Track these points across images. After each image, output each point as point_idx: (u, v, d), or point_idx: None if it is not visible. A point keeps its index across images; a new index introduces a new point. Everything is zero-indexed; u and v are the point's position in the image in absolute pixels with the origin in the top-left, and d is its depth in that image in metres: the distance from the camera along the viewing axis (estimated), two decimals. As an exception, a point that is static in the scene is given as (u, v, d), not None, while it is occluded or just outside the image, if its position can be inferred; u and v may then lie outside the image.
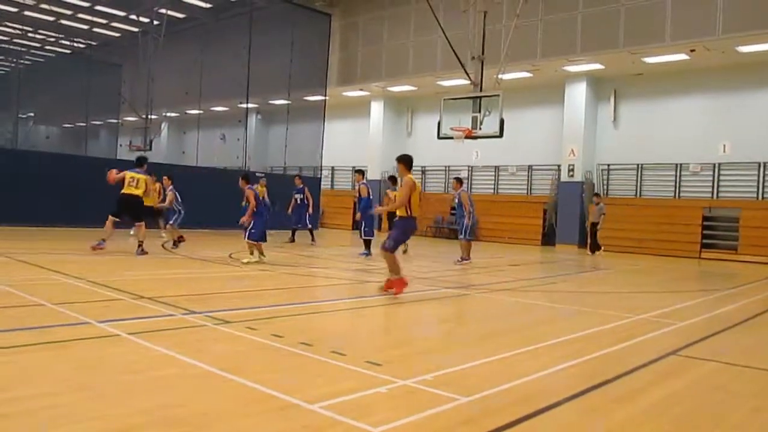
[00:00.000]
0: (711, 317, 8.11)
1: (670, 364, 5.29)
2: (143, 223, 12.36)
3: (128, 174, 12.11)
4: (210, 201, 20.99)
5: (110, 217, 12.00)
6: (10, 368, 4.15)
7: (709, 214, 20.38)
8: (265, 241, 12.16)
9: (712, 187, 20.67)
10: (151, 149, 26.70)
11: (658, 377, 4.83)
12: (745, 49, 18.22)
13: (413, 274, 11.51)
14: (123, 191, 12.03)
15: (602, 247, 18.99)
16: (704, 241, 20.11)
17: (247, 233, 11.88)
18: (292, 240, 18.08)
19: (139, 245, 12.08)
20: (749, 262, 18.40)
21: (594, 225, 18.64)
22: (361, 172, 16.13)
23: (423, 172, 28.30)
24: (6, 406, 3.39)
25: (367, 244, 14.78)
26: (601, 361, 5.25)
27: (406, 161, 8.84)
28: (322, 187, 27.37)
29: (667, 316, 7.72)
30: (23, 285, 7.46)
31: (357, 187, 15.50)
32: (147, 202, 14.56)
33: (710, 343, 6.33)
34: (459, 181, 15.21)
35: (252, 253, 12.00)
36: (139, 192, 12.06)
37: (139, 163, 12.57)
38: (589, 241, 19.37)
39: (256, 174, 19.10)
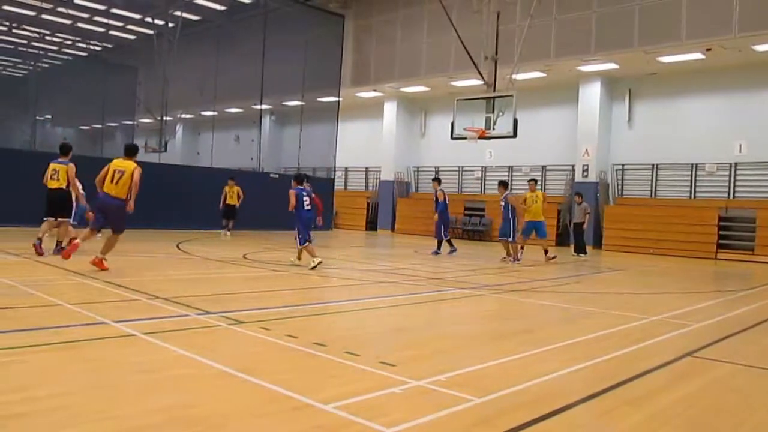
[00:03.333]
0: (727, 318, 8.03)
1: (685, 366, 5.25)
2: (67, 220, 11.31)
3: (51, 165, 11.03)
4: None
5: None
6: (26, 368, 4.21)
7: (725, 214, 20.18)
8: (304, 243, 11.60)
9: (728, 187, 20.48)
10: (166, 150, 26.89)
11: (673, 379, 4.80)
12: (761, 47, 18.04)
13: (427, 275, 11.51)
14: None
15: (587, 252, 18.10)
16: (720, 241, 19.92)
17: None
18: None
19: (58, 244, 11.20)
20: (766, 263, 18.20)
21: (578, 225, 17.93)
22: (437, 180, 17.17)
23: (436, 172, 28.28)
24: (22, 405, 3.44)
25: (440, 244, 16.51)
26: (615, 362, 5.23)
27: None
28: (335, 187, 27.42)
29: (683, 318, 7.66)
30: (41, 285, 7.55)
31: (435, 193, 16.68)
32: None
33: (726, 345, 6.27)
34: (504, 185, 15.89)
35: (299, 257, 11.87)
36: (60, 184, 10.93)
37: (63, 151, 11.23)
38: (573, 241, 18.64)
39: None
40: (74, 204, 11.88)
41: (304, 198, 11.72)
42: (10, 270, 9.03)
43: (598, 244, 22.13)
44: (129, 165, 9.61)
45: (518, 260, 15.06)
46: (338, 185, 29.37)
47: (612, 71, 21.87)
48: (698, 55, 19.17)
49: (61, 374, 4.10)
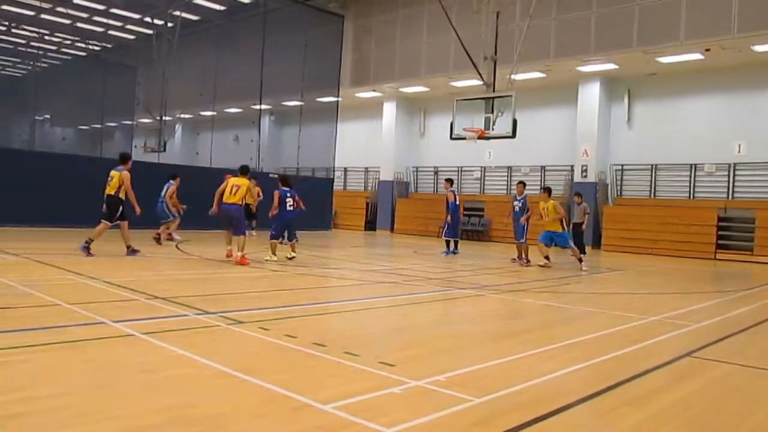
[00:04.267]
0: (726, 319, 8.04)
1: (684, 367, 5.25)
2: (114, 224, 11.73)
3: (111, 172, 11.77)
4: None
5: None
6: (26, 368, 4.21)
7: (724, 214, 20.18)
8: (278, 239, 12.69)
9: (727, 187, 20.49)
10: (165, 150, 26.88)
11: (672, 379, 4.80)
12: (760, 48, 18.05)
13: (426, 275, 11.52)
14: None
15: (586, 253, 17.38)
16: (719, 242, 19.92)
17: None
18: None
19: (128, 247, 11.84)
20: (765, 263, 18.21)
21: (577, 226, 17.69)
22: (449, 181, 17.26)
23: (435, 172, 28.30)
24: (23, 405, 3.44)
25: (448, 244, 16.59)
26: (614, 362, 5.23)
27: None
28: (335, 188, 27.41)
29: (682, 318, 7.67)
30: (40, 285, 7.55)
31: (446, 193, 16.82)
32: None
33: (725, 345, 6.27)
34: (524, 184, 16.23)
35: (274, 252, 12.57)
36: (110, 191, 11.56)
37: (122, 160, 11.95)
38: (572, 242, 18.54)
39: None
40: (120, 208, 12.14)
41: (287, 199, 12.50)
42: (9, 270, 9.02)
43: (597, 244, 22.14)
44: (244, 181, 11.95)
45: (528, 262, 14.90)
46: (337, 185, 29.37)
47: (611, 71, 21.88)
48: (697, 56, 19.18)
49: (60, 374, 4.10)
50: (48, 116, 35.19)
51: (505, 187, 26.18)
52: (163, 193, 15.47)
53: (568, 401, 4.02)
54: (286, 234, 12.83)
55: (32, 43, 32.10)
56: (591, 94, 22.78)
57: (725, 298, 10.43)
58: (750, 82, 20.01)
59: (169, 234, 15.41)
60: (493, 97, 16.42)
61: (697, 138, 21.00)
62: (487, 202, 25.70)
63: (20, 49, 32.60)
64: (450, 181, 17.28)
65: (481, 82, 17.22)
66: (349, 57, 27.48)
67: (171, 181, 15.71)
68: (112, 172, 11.70)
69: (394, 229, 28.42)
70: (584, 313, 8.06)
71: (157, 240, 14.83)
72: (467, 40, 17.65)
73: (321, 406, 3.64)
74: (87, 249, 11.16)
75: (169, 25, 26.24)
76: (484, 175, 26.80)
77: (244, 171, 12.43)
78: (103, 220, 11.54)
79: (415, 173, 29.43)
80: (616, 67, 21.19)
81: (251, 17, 26.30)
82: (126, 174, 11.58)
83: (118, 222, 11.68)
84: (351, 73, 27.53)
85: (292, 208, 12.54)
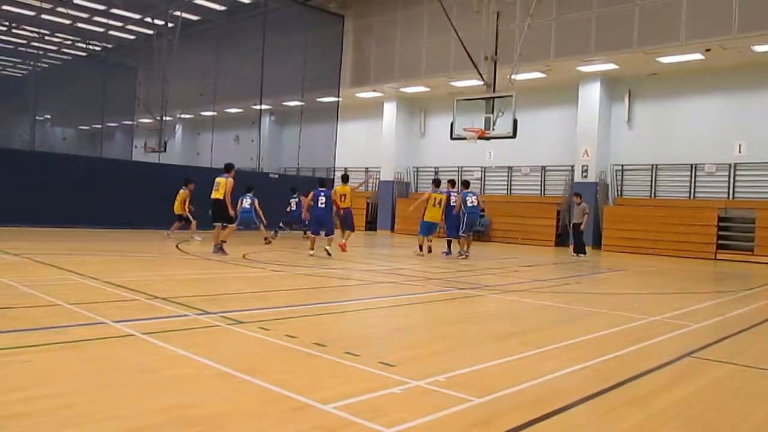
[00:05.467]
0: (726, 319, 8.04)
1: (685, 367, 5.25)
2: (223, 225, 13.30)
3: (216, 179, 13.34)
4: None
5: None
6: (26, 367, 4.21)
7: (725, 214, 20.19)
8: (317, 234, 14.15)
9: (728, 187, 20.50)
10: (165, 150, 26.89)
11: (672, 379, 4.80)
12: (760, 48, 18.06)
13: (426, 275, 11.52)
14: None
15: (586, 253, 17.96)
16: (720, 242, 19.93)
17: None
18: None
19: (217, 244, 13.12)
20: (765, 264, 18.22)
21: (577, 226, 17.78)
22: (452, 182, 17.66)
23: (436, 172, 28.29)
24: (24, 405, 3.44)
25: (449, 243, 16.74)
26: (614, 363, 5.23)
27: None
28: (335, 188, 27.37)
29: (682, 318, 7.66)
30: (40, 285, 7.55)
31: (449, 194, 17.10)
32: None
33: (726, 346, 6.27)
34: (453, 183, 17.42)
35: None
36: (219, 195, 12.99)
37: (226, 169, 13.40)
38: (573, 242, 18.43)
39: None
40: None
41: (320, 197, 13.84)
42: (9, 270, 9.03)
43: (597, 244, 22.14)
44: (346, 188, 15.09)
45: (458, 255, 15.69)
46: (337, 185, 29.32)
47: (612, 71, 21.89)
48: (698, 56, 19.18)
49: (60, 374, 4.10)
50: (48, 116, 35.20)
51: (506, 187, 26.19)
52: (248, 204, 16.56)
53: (568, 401, 4.02)
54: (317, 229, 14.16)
55: (32, 43, 32.11)
56: (591, 94, 22.78)
57: (725, 298, 10.42)
58: (750, 82, 20.01)
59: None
60: (494, 97, 16.42)
61: (698, 138, 21.01)
62: (488, 202, 25.64)
63: (21, 49, 32.61)
64: (452, 182, 17.53)
65: (482, 82, 17.22)
66: (350, 57, 27.49)
67: (248, 195, 16.72)
68: (219, 179, 13.08)
69: (395, 229, 28.42)
70: (584, 313, 8.06)
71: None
72: (467, 40, 17.66)
73: (321, 406, 3.64)
74: (221, 249, 12.74)
75: (170, 25, 26.25)
76: (485, 175, 26.80)
77: (345, 179, 15.51)
78: (220, 224, 13.08)
79: (416, 173, 29.43)
80: (617, 67, 21.20)
81: (251, 17, 26.29)
82: (230, 181, 12.99)
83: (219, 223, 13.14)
84: (351, 73, 27.54)
85: (322, 205, 13.81)
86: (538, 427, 3.53)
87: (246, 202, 16.52)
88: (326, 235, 13.95)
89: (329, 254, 13.73)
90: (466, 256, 15.56)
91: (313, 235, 14.33)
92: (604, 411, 3.95)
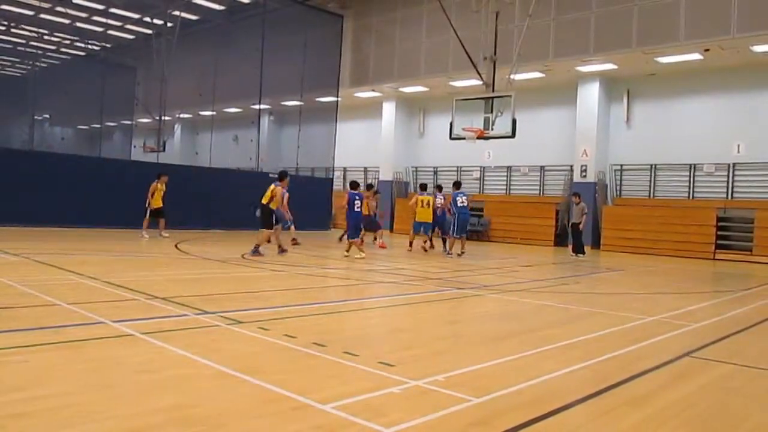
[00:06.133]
0: (725, 319, 8.05)
1: (683, 366, 5.26)
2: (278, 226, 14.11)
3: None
4: (223, 202, 21.15)
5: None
6: (26, 368, 4.21)
7: (724, 215, 20.21)
8: (352, 238, 14.21)
9: (727, 187, 20.51)
10: (164, 150, 26.87)
11: (671, 379, 4.81)
12: (759, 48, 18.07)
13: (425, 275, 11.52)
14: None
15: (585, 252, 18.05)
16: (718, 242, 19.95)
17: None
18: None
19: (279, 246, 13.87)
20: (764, 263, 18.23)
21: (576, 225, 17.82)
22: (439, 187, 18.12)
23: (435, 172, 28.31)
24: (24, 405, 3.44)
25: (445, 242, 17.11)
26: (613, 362, 5.23)
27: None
28: (334, 187, 27.41)
29: (681, 318, 7.67)
30: (39, 285, 7.55)
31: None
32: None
33: (725, 345, 6.28)
34: (440, 188, 17.96)
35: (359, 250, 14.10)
36: (266, 200, 13.51)
37: (279, 177, 13.99)
38: (571, 242, 18.50)
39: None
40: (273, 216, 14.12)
41: (356, 201, 14.05)
42: (9, 270, 9.02)
43: (596, 244, 22.15)
44: (430, 198, 16.53)
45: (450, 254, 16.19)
46: (337, 185, 29.34)
47: (610, 71, 21.89)
48: (697, 56, 19.19)
49: (60, 374, 4.10)
50: (47, 116, 35.17)
51: (505, 187, 26.20)
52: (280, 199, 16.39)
53: (567, 401, 4.02)
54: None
55: (31, 43, 32.08)
56: (590, 94, 22.79)
57: (724, 298, 10.44)
58: (749, 82, 20.03)
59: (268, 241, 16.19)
60: (493, 97, 16.43)
61: (697, 138, 21.02)
62: (487, 202, 25.71)
63: (19, 48, 32.58)
64: (458, 184, 17.58)
65: (481, 82, 17.24)
66: (349, 57, 27.49)
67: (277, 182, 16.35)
68: (271, 186, 13.61)
69: (394, 228, 28.41)
70: (583, 313, 8.07)
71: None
72: (467, 40, 17.67)
73: (320, 406, 3.64)
74: (257, 252, 12.98)
75: (169, 25, 26.24)
76: (484, 175, 26.80)
77: (424, 187, 17.28)
78: (264, 229, 13.51)
79: (415, 173, 29.43)
80: (616, 67, 21.20)
81: (251, 17, 26.28)
82: (279, 189, 13.55)
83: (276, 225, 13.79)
84: (350, 73, 27.53)
85: (359, 209, 14.08)
86: (536, 427, 3.53)
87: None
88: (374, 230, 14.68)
89: (361, 256, 14.01)
90: (450, 253, 16.02)
91: (355, 239, 14.31)
92: (603, 411, 3.96)
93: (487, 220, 25.15)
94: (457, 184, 16.96)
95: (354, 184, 14.57)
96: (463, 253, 16.32)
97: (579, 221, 17.69)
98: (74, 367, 4.27)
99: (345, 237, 14.94)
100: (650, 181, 22.29)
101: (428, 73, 24.89)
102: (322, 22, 26.42)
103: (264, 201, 13.43)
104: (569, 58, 20.93)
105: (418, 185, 17.87)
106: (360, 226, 14.64)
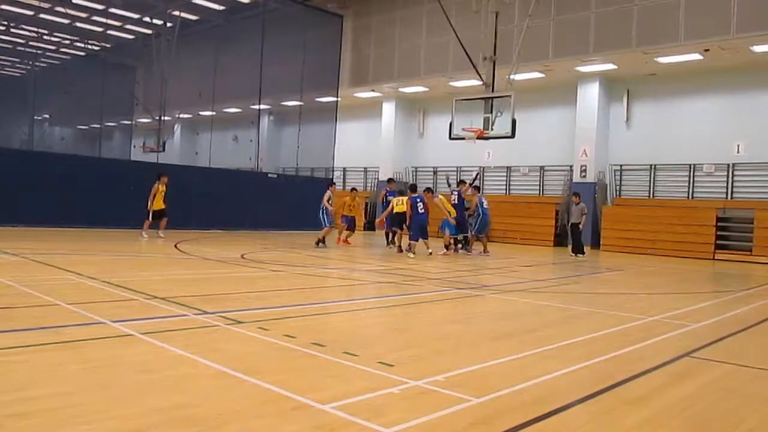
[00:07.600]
0: (725, 319, 8.05)
1: (683, 367, 5.26)
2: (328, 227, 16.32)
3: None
4: (222, 202, 21.15)
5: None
6: (25, 368, 4.20)
7: (723, 215, 20.20)
8: (416, 240, 15.03)
9: (726, 187, 20.51)
10: (164, 150, 26.87)
11: (671, 379, 4.80)
12: (759, 48, 18.08)
13: (425, 275, 11.52)
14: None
15: (585, 252, 18.10)
16: (718, 242, 19.94)
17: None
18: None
19: (318, 242, 16.10)
20: (764, 264, 18.23)
21: (575, 225, 17.87)
22: (463, 182, 18.49)
23: (434, 172, 28.30)
24: (23, 405, 3.44)
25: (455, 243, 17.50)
26: (613, 362, 5.23)
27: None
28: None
29: (681, 318, 7.67)
30: (39, 285, 7.54)
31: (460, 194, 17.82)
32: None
33: (724, 346, 6.28)
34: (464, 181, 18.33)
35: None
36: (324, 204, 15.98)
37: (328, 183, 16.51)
38: (571, 242, 18.54)
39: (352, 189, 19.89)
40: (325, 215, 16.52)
41: (418, 204, 14.82)
42: (9, 270, 9.02)
43: (596, 244, 22.15)
44: (405, 199, 16.19)
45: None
46: (336, 185, 29.33)
47: (610, 72, 21.90)
48: (696, 56, 19.19)
49: (59, 374, 4.09)
50: (47, 116, 35.19)
51: (505, 187, 26.20)
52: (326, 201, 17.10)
53: (567, 401, 4.02)
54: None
55: (31, 43, 32.07)
56: (590, 94, 22.79)
57: (724, 298, 10.44)
58: (749, 82, 20.03)
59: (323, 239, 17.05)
60: (492, 97, 16.42)
61: (696, 138, 21.02)
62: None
63: (19, 48, 32.59)
64: (463, 182, 18.17)
65: (481, 82, 17.22)
66: (348, 57, 27.49)
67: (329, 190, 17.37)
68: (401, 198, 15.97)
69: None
70: (583, 313, 8.06)
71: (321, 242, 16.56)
72: (466, 40, 17.67)
73: (320, 406, 3.64)
74: (406, 249, 14.56)
75: (169, 25, 26.25)
76: (483, 176, 26.79)
77: (412, 189, 16.79)
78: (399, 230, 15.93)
79: (414, 173, 29.43)
80: (615, 67, 21.21)
81: (250, 17, 26.29)
82: (328, 193, 16.51)
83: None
84: (350, 73, 27.53)
85: (422, 211, 14.65)
86: (536, 427, 3.53)
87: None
88: (425, 238, 15.05)
89: (413, 254, 14.68)
90: (433, 251, 16.12)
91: (413, 241, 15.00)
92: (603, 411, 3.96)
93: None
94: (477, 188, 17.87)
95: (413, 188, 15.61)
96: (486, 252, 16.96)
97: (579, 221, 17.69)
98: (74, 367, 4.26)
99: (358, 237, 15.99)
100: (650, 181, 22.29)
101: (428, 73, 24.89)
102: (321, 22, 26.42)
103: (399, 210, 15.40)
104: (569, 58, 20.94)
105: (408, 187, 17.84)
106: (426, 228, 15.13)
